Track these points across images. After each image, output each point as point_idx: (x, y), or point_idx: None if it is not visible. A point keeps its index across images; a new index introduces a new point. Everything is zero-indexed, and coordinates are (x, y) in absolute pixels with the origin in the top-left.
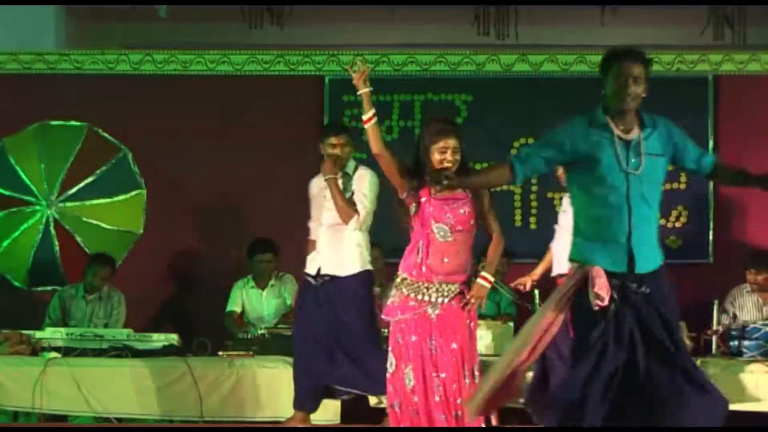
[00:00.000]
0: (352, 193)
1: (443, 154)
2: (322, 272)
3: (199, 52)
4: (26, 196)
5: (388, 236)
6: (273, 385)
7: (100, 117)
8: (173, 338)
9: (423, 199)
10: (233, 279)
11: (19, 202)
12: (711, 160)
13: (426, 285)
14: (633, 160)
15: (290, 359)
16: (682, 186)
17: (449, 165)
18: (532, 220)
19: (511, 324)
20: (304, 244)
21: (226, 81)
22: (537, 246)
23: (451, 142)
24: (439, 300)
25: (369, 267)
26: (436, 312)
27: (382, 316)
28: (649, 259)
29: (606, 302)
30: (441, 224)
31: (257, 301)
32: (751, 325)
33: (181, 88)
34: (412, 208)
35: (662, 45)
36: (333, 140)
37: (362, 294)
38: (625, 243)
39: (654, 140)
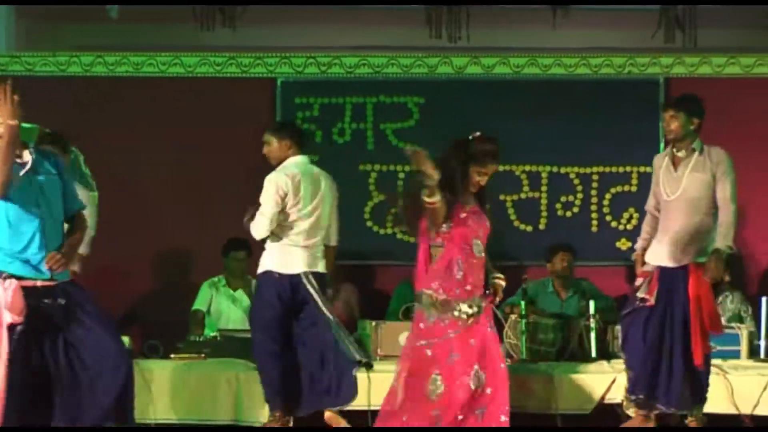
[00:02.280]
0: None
1: (482, 177)
2: None
3: (151, 54)
4: None
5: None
6: (225, 387)
7: (52, 119)
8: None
9: (463, 215)
10: (185, 281)
11: None
12: None
13: (467, 301)
14: None
15: (242, 361)
16: (633, 188)
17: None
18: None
19: None
20: (257, 245)
21: (177, 83)
22: (489, 247)
23: (494, 169)
24: (475, 313)
25: (270, 268)
26: (469, 324)
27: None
28: None
29: None
30: (477, 240)
31: (227, 302)
32: None
33: (132, 91)
34: (445, 226)
35: (614, 48)
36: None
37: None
38: None
39: None
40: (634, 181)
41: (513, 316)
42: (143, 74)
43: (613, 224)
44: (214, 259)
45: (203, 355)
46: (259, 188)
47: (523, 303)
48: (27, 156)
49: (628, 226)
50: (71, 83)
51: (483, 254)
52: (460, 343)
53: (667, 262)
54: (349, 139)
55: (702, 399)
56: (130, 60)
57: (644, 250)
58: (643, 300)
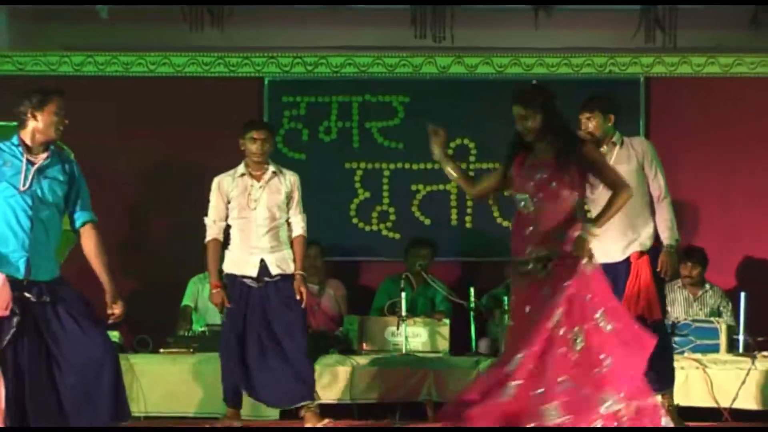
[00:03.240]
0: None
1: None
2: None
3: (140, 54)
4: None
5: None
6: (212, 381)
7: None
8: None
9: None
10: (173, 276)
11: None
12: None
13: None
14: None
15: None
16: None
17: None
18: (467, 219)
19: (447, 321)
20: None
21: (166, 82)
22: (470, 244)
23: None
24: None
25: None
26: None
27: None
28: None
29: None
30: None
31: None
32: (681, 321)
33: (122, 90)
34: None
35: (595, 48)
36: (254, 134)
37: None
38: None
39: None
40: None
41: (496, 311)
42: (133, 74)
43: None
44: (200, 257)
45: (191, 350)
46: None
47: (506, 298)
48: (41, 157)
49: None
50: (61, 83)
51: (531, 209)
52: None
53: (610, 259)
54: (336, 138)
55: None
56: (119, 60)
57: None
58: None
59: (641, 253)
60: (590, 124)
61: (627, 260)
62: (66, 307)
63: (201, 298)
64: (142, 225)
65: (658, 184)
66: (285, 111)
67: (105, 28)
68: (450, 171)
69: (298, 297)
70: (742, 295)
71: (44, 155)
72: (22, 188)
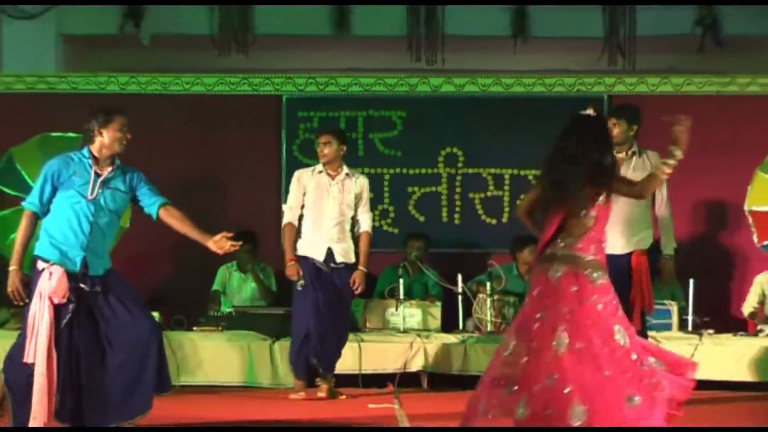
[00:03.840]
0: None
1: None
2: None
3: (177, 75)
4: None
5: None
6: (238, 355)
7: None
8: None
9: None
10: (205, 266)
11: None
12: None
13: None
14: None
15: (252, 333)
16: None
17: None
18: (456, 216)
19: (438, 303)
20: (262, 236)
21: (199, 99)
22: (460, 237)
23: None
24: None
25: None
26: None
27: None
28: None
29: None
30: None
31: (238, 284)
32: None
33: (161, 106)
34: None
35: (565, 70)
36: (319, 139)
37: None
38: None
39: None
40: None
41: (481, 295)
42: (170, 92)
43: None
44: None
45: (220, 328)
46: (266, 185)
47: (489, 284)
48: (106, 170)
49: None
50: (109, 100)
51: None
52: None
53: (615, 251)
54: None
55: None
56: (159, 80)
57: None
58: None
59: (642, 252)
60: (615, 129)
61: (628, 256)
62: (115, 295)
63: (228, 283)
64: None
65: (661, 196)
66: (300, 124)
67: (146, 53)
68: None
69: (355, 286)
70: (691, 282)
71: (110, 168)
72: (88, 197)
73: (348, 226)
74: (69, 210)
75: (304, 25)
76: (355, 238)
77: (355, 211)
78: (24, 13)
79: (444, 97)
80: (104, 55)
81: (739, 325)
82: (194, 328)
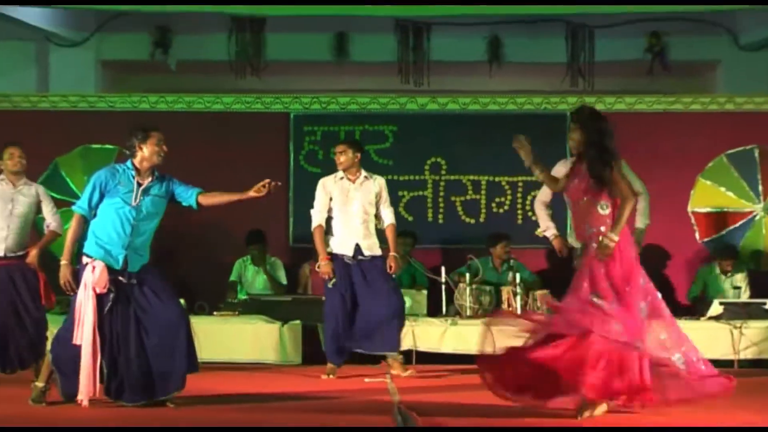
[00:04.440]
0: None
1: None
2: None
3: (199, 95)
4: (73, 199)
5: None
6: (252, 336)
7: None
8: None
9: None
10: (223, 260)
11: (68, 203)
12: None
13: None
14: None
15: (265, 317)
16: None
17: None
18: (440, 216)
19: (425, 291)
20: (271, 235)
21: (218, 116)
22: (441, 235)
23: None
24: None
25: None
26: None
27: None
28: None
29: None
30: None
31: (251, 275)
32: None
33: (186, 122)
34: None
35: (533, 90)
36: (335, 149)
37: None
38: None
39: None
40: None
41: (461, 285)
42: (194, 110)
43: (533, 218)
44: (240, 244)
45: (237, 313)
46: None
47: (468, 275)
48: (147, 180)
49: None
50: (141, 117)
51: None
52: None
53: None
54: None
55: None
56: (184, 99)
57: (558, 233)
58: None
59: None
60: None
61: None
62: (149, 285)
63: (244, 275)
64: (199, 222)
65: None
66: (306, 137)
67: (173, 77)
68: (538, 172)
69: (390, 270)
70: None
71: (150, 178)
72: (132, 204)
73: (372, 224)
74: (114, 215)
75: (309, 52)
76: (381, 231)
77: (377, 208)
78: (68, 42)
79: (429, 114)
80: (137, 78)
81: (684, 311)
82: (214, 313)
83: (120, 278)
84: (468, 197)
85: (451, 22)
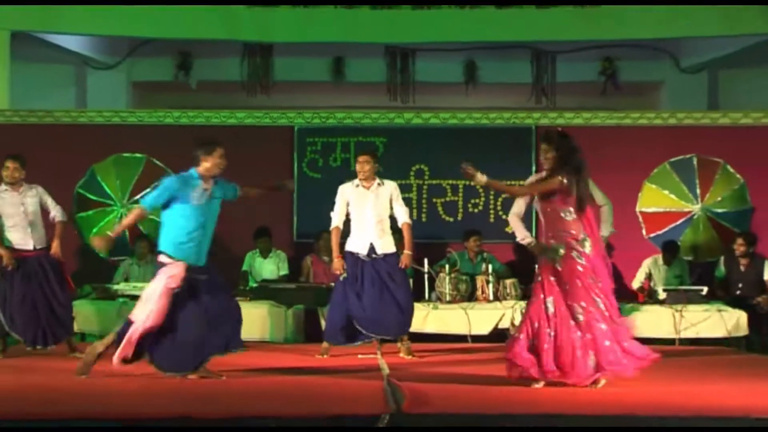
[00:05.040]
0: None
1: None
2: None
3: (216, 111)
4: (108, 200)
5: None
6: (261, 318)
7: (154, 151)
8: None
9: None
10: (235, 252)
11: (103, 204)
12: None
13: None
14: None
15: (272, 302)
16: None
17: None
18: (423, 215)
19: (410, 280)
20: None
21: (232, 129)
22: (424, 232)
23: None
24: None
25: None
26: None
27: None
28: None
29: None
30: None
31: (260, 266)
32: None
33: (205, 134)
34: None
35: (503, 107)
36: (358, 158)
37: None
38: None
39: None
40: None
41: (441, 274)
42: (211, 124)
43: (504, 217)
44: (249, 239)
45: (249, 298)
46: (281, 193)
47: (447, 266)
48: (209, 185)
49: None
50: (166, 130)
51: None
52: None
53: None
54: (340, 164)
55: None
56: (203, 114)
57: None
58: None
59: None
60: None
61: None
62: (210, 278)
63: (253, 265)
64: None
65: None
66: (308, 147)
67: (193, 95)
68: (496, 188)
69: (402, 265)
70: None
71: (212, 183)
72: (201, 207)
73: (387, 224)
74: (187, 218)
75: (310, 74)
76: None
77: (392, 209)
78: (103, 65)
79: (414, 127)
80: (162, 96)
81: (631, 297)
82: None
83: (193, 273)
84: (447, 199)
85: (433, 48)
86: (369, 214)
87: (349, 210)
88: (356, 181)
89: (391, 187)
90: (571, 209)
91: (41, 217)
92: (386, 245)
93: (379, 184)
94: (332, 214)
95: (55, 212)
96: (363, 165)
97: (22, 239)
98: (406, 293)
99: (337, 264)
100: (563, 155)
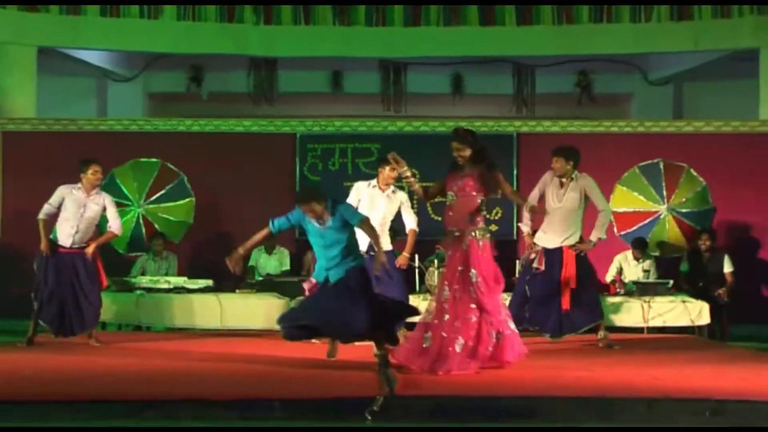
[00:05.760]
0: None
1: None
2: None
3: (225, 119)
4: (126, 201)
5: None
6: (266, 309)
7: (168, 156)
8: (209, 282)
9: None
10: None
11: (122, 205)
12: None
13: None
14: None
15: (275, 294)
16: (498, 196)
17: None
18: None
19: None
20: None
21: (240, 136)
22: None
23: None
24: None
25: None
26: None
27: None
28: None
29: None
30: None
31: (265, 261)
32: None
33: (214, 141)
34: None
35: (487, 116)
36: (386, 167)
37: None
38: None
39: None
40: (499, 192)
41: (431, 269)
42: (220, 131)
43: (488, 216)
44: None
45: (255, 290)
46: (284, 193)
47: (436, 261)
48: (326, 217)
49: (497, 217)
50: (179, 137)
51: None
52: None
53: (551, 245)
54: (338, 168)
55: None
56: (213, 123)
57: (531, 230)
58: (537, 269)
59: (570, 247)
60: (556, 164)
61: (560, 249)
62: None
63: (259, 261)
64: (227, 221)
65: (596, 202)
66: (308, 153)
67: (204, 105)
68: (412, 184)
69: (398, 264)
70: None
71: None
72: (320, 236)
73: (388, 227)
74: (314, 245)
75: (311, 86)
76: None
77: (399, 215)
78: (122, 78)
79: (406, 134)
80: (176, 105)
81: (603, 289)
82: (237, 291)
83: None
84: (437, 200)
85: (423, 62)
86: (377, 214)
87: (359, 207)
88: (372, 182)
89: (403, 197)
90: (483, 198)
91: (95, 224)
92: (384, 243)
93: (393, 191)
94: None
95: (114, 224)
96: (391, 171)
97: (66, 236)
98: (401, 289)
99: None
100: (479, 151)
